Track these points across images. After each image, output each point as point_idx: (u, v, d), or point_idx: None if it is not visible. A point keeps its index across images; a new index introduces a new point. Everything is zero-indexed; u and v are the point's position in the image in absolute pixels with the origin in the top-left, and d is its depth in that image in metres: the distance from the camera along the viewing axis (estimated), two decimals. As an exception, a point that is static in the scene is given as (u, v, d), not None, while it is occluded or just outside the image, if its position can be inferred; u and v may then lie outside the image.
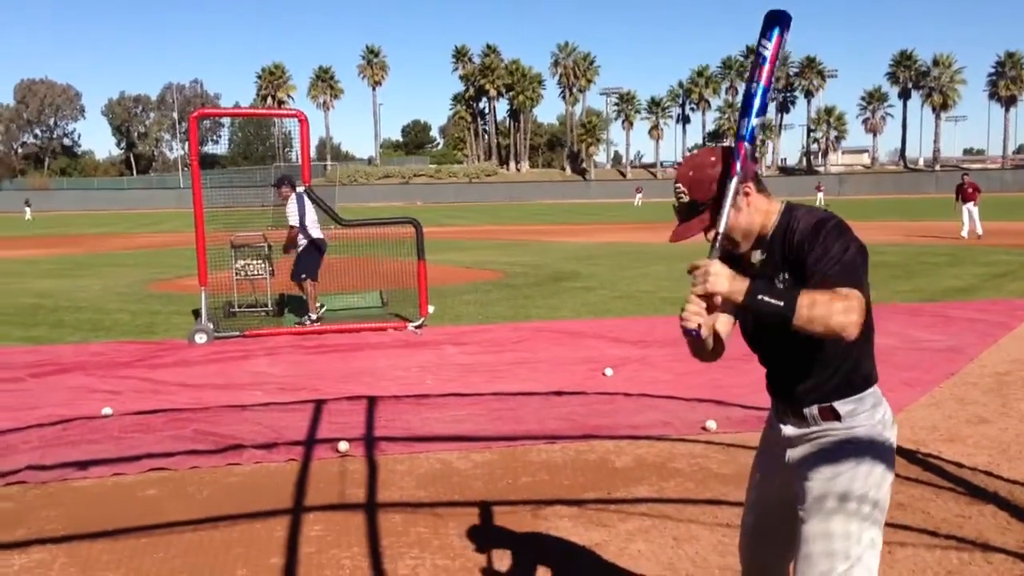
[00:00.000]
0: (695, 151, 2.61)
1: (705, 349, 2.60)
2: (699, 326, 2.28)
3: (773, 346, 2.52)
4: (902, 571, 3.83)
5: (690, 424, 6.17)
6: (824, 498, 2.38)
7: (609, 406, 6.80)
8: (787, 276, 2.37)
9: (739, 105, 2.42)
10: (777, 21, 2.39)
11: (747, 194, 2.41)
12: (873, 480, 2.38)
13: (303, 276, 11.19)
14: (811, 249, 2.29)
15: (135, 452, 5.75)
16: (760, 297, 2.19)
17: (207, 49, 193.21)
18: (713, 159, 2.43)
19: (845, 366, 2.41)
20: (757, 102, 2.40)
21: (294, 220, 11.03)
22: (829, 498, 2.38)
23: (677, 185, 2.46)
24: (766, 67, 2.39)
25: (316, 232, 11.19)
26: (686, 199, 2.44)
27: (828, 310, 2.14)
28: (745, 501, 2.79)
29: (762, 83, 2.38)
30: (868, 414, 2.43)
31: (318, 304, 11.44)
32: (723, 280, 2.21)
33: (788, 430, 2.53)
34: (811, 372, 2.43)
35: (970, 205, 23.55)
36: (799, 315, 2.15)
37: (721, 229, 2.34)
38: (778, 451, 2.58)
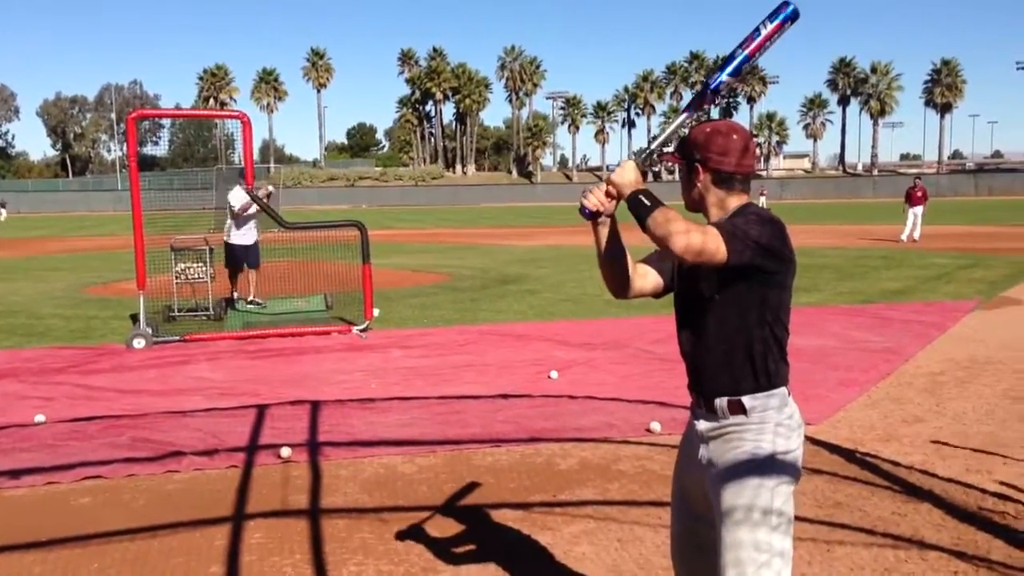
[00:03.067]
0: (727, 121, 2.75)
1: (610, 266, 2.71)
2: (596, 210, 2.53)
3: (692, 330, 2.62)
4: (840, 569, 3.89)
5: (634, 426, 6.21)
6: (732, 511, 2.47)
7: (554, 409, 6.82)
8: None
9: (724, 62, 2.59)
10: (788, 14, 2.53)
11: (698, 173, 2.58)
12: (778, 493, 2.48)
13: (255, 265, 12.49)
14: (732, 220, 2.48)
15: (69, 460, 5.60)
16: (639, 196, 2.43)
17: (147, 50, 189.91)
18: (709, 131, 2.60)
19: (755, 362, 2.53)
20: (735, 63, 2.56)
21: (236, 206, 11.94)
22: (737, 511, 2.46)
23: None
24: (757, 40, 2.54)
25: (244, 229, 12.16)
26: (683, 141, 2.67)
27: (674, 226, 2.32)
28: (671, 509, 2.85)
29: (746, 51, 2.55)
30: (774, 412, 2.54)
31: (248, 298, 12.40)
32: (628, 173, 2.49)
33: (701, 425, 2.63)
34: (722, 364, 2.55)
35: (917, 208, 24.15)
36: (653, 217, 2.37)
37: (655, 143, 2.63)
38: (693, 451, 2.67)
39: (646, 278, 2.75)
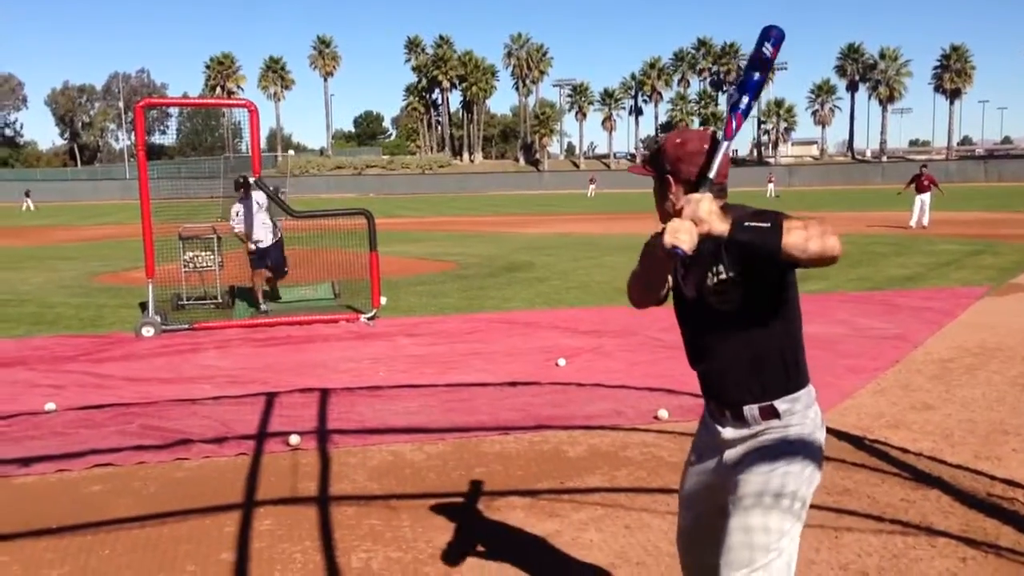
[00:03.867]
0: (696, 129, 2.71)
1: (658, 285, 2.64)
2: (683, 250, 2.26)
3: (709, 343, 2.57)
4: (848, 555, 3.89)
5: (642, 413, 6.21)
6: (760, 494, 2.44)
7: (562, 396, 6.82)
8: (721, 268, 2.44)
9: (740, 86, 2.53)
10: (778, 36, 2.50)
11: (670, 185, 2.54)
12: (804, 478, 2.46)
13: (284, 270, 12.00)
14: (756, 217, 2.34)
15: (79, 448, 5.64)
16: (748, 225, 2.23)
17: (154, 38, 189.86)
18: (678, 141, 2.54)
19: (786, 365, 2.48)
20: (756, 92, 2.51)
21: (237, 228, 11.49)
22: (765, 494, 2.43)
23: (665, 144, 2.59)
24: (767, 61, 2.50)
25: (260, 233, 11.49)
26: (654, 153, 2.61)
27: (818, 241, 2.17)
28: (679, 500, 2.83)
29: (762, 75, 2.51)
30: (803, 413, 2.50)
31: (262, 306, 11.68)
32: (708, 204, 2.25)
33: (728, 432, 2.57)
34: (750, 372, 2.48)
35: (924, 196, 24.05)
36: (790, 241, 2.17)
37: (711, 174, 2.42)
38: (713, 454, 2.63)
39: (664, 288, 2.70)
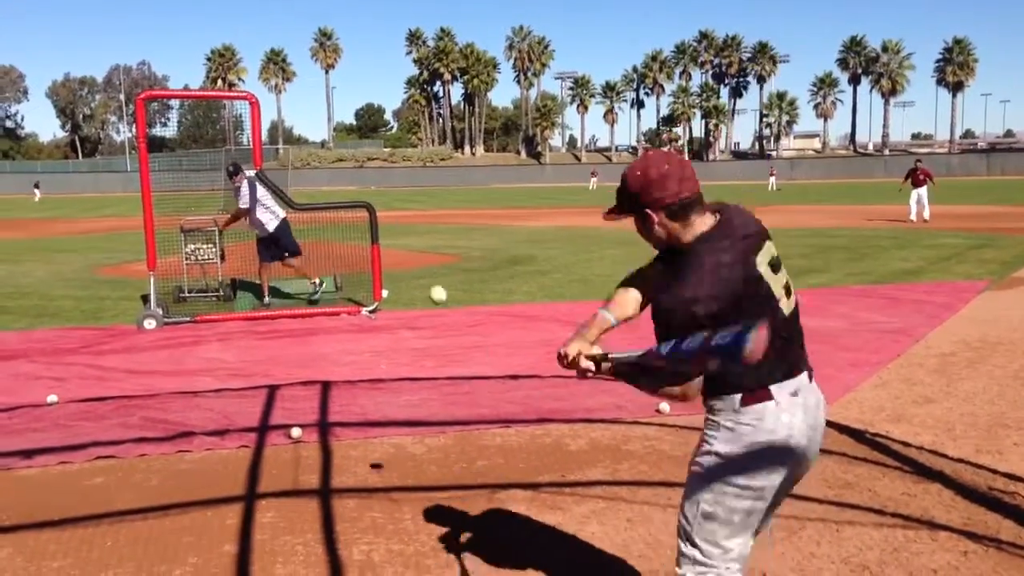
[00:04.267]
0: (651, 152, 2.71)
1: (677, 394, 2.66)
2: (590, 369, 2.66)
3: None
4: (849, 548, 3.90)
5: (643, 407, 6.21)
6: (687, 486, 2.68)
7: (564, 390, 6.82)
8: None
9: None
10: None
11: (650, 218, 2.56)
12: (712, 504, 2.59)
13: (287, 255, 11.46)
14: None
15: (81, 440, 5.65)
16: (620, 368, 2.62)
17: (155, 31, 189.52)
18: (638, 173, 2.56)
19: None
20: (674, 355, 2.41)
21: (243, 203, 11.03)
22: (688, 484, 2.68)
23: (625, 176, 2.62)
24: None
25: (265, 217, 11.15)
26: (622, 195, 2.64)
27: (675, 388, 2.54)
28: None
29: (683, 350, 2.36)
30: (734, 415, 2.53)
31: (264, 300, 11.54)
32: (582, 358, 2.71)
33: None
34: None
35: (921, 190, 24.03)
36: (658, 387, 2.60)
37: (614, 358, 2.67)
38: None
39: (639, 301, 2.84)
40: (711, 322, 2.33)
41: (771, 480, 2.56)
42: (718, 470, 2.56)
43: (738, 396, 2.52)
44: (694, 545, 2.63)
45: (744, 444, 2.53)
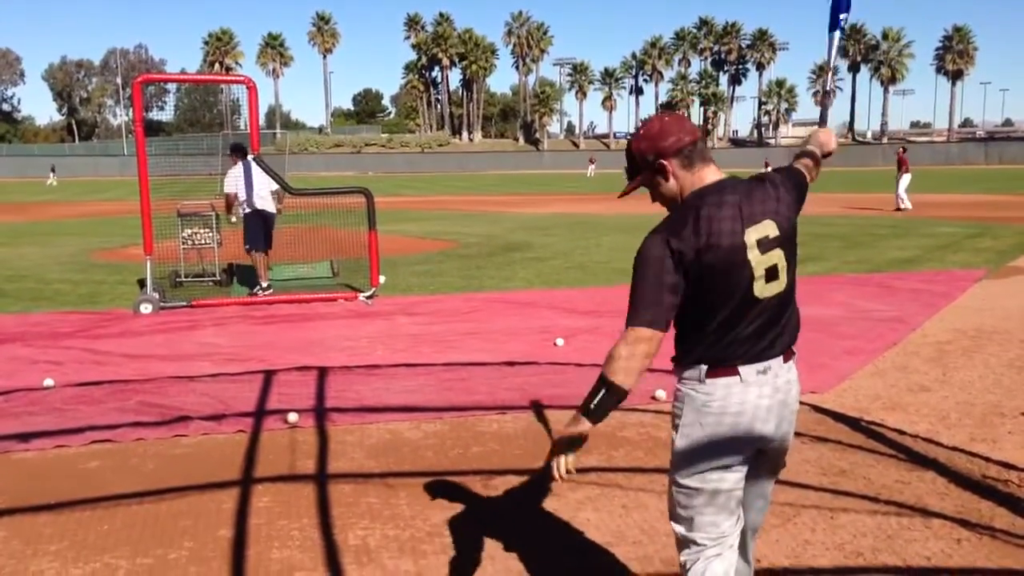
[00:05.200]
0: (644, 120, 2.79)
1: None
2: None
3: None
4: (843, 535, 3.91)
5: (639, 393, 6.21)
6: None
7: (560, 376, 6.83)
8: None
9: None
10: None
11: (665, 169, 2.57)
12: (679, 475, 2.68)
13: (247, 247, 11.07)
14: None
15: (78, 424, 5.65)
16: (592, 407, 2.65)
17: (152, 14, 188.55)
18: (642, 133, 2.64)
19: (682, 339, 2.66)
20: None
21: (228, 188, 10.95)
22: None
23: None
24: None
25: (260, 202, 10.98)
26: (632, 162, 2.68)
27: (617, 376, 2.62)
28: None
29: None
30: (699, 386, 2.60)
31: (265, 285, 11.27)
32: (567, 451, 2.68)
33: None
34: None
35: (902, 178, 24.20)
36: (601, 405, 2.65)
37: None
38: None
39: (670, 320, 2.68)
40: (678, 269, 2.45)
41: (736, 452, 2.58)
42: (684, 442, 2.61)
43: (704, 367, 2.56)
44: (678, 522, 2.70)
45: (707, 415, 2.56)
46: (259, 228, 11.03)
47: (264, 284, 11.11)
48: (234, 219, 11.32)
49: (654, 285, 2.47)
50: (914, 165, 24.71)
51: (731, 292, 2.48)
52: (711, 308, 2.51)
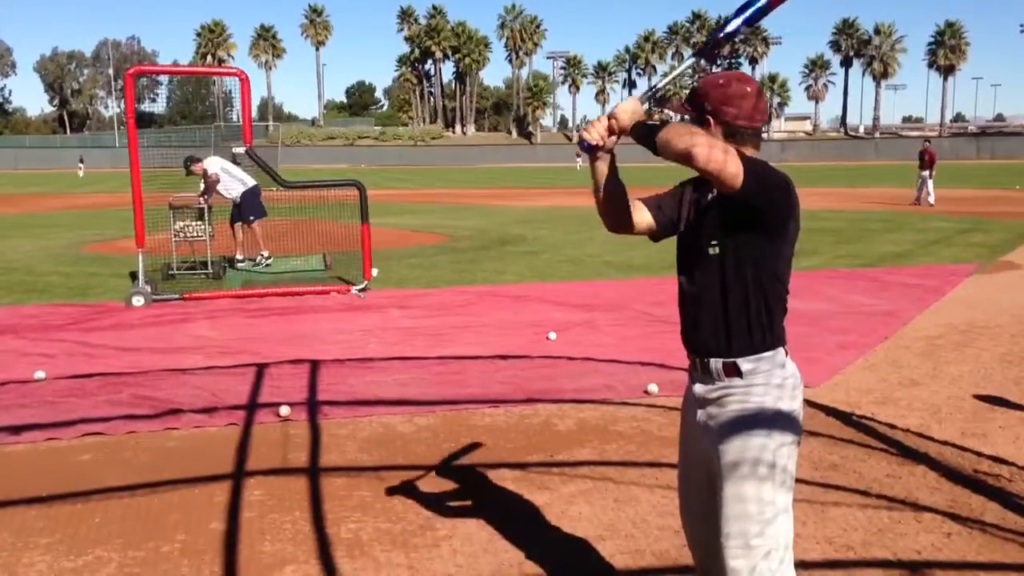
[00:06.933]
0: (739, 72, 2.70)
1: (610, 202, 2.65)
2: (597, 144, 2.45)
3: (690, 287, 2.58)
4: (834, 529, 3.93)
5: (632, 388, 6.23)
6: (738, 465, 2.46)
7: (553, 370, 6.84)
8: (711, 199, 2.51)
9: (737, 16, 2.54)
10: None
11: (709, 126, 2.49)
12: (781, 451, 2.47)
13: (252, 218, 12.41)
14: None
15: (69, 417, 5.63)
16: (645, 123, 2.38)
17: (144, 5, 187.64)
18: (720, 82, 2.53)
19: (750, 324, 2.47)
20: (753, 10, 2.48)
21: (231, 190, 12.43)
22: (743, 465, 2.45)
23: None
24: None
25: (248, 182, 12.55)
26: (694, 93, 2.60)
27: (696, 137, 2.25)
28: (678, 471, 2.85)
29: (746, 13, 2.49)
30: (767, 374, 2.49)
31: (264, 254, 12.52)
32: (629, 104, 2.43)
33: (698, 388, 2.60)
34: (718, 327, 2.50)
35: (926, 172, 24.25)
36: (667, 131, 2.31)
37: (661, 83, 2.64)
38: (691, 414, 2.65)
39: (641, 213, 2.69)
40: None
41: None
42: (778, 424, 2.48)
43: (782, 349, 2.53)
44: (764, 534, 2.44)
45: (794, 395, 2.53)
46: (258, 200, 12.45)
47: (266, 253, 12.42)
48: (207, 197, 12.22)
49: (776, 180, 2.37)
50: (906, 159, 24.75)
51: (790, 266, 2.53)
52: (786, 281, 2.52)
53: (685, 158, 2.24)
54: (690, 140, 2.24)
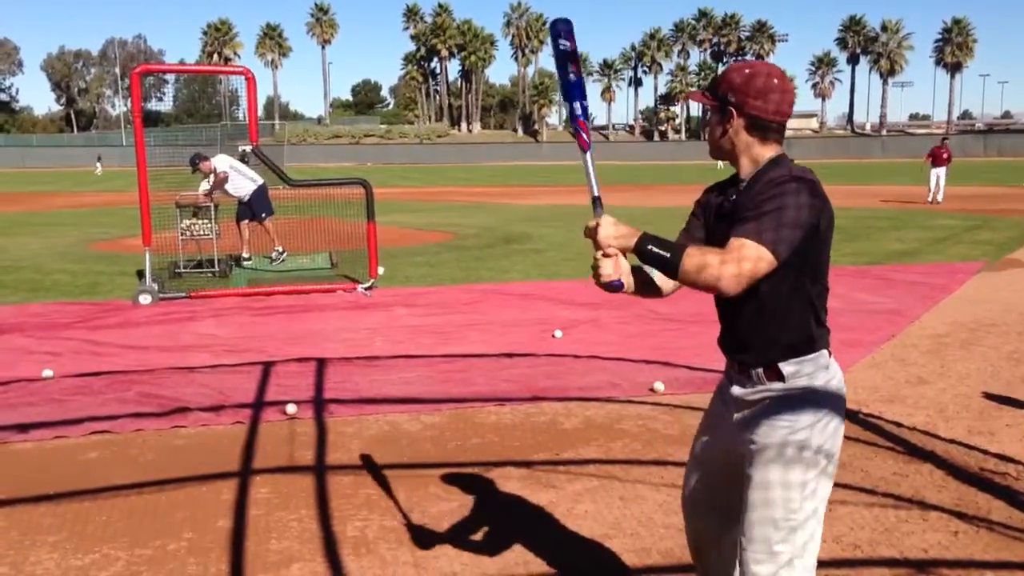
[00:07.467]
0: (766, 63, 2.59)
1: (644, 290, 2.57)
2: (619, 280, 2.34)
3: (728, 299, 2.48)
4: (841, 528, 3.92)
5: (638, 386, 6.23)
6: (784, 447, 2.38)
7: (558, 368, 6.84)
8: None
9: (564, 93, 2.48)
10: (568, 25, 2.50)
11: (731, 117, 2.42)
12: (826, 432, 2.41)
13: (264, 216, 12.60)
14: (759, 198, 2.29)
15: (77, 415, 5.65)
16: (649, 247, 2.28)
17: (151, 4, 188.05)
18: (747, 72, 2.42)
19: (791, 328, 2.40)
20: (582, 90, 2.46)
21: (241, 188, 12.48)
22: (789, 447, 2.38)
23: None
24: (574, 58, 2.47)
25: (258, 180, 12.64)
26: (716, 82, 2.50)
27: (713, 270, 2.18)
28: (688, 459, 2.81)
29: (577, 72, 2.45)
30: (811, 376, 2.43)
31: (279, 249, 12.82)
32: (608, 229, 2.31)
33: (736, 390, 2.52)
34: (758, 330, 2.43)
35: (939, 170, 24.17)
36: (684, 268, 2.22)
37: (594, 193, 2.46)
38: (727, 412, 2.57)
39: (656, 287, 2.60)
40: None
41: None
42: (818, 440, 2.40)
43: (825, 351, 2.47)
44: (791, 541, 2.38)
45: (838, 398, 2.48)
46: (267, 198, 12.65)
47: (280, 248, 12.72)
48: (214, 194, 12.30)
49: (792, 232, 2.23)
50: (914, 157, 24.68)
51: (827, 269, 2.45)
52: (825, 281, 2.44)
53: (713, 292, 2.24)
54: (708, 274, 2.19)
